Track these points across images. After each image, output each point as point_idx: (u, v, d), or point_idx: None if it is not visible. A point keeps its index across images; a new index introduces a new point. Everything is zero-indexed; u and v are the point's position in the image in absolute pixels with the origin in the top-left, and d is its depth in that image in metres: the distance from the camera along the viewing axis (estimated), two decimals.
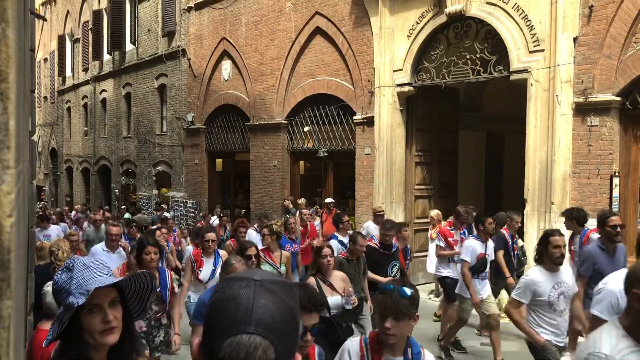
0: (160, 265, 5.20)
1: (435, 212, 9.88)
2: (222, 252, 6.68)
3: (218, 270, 5.94)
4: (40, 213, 13.63)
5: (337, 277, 5.12)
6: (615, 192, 7.95)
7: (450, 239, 7.99)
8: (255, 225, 9.91)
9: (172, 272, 5.43)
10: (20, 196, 1.32)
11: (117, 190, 22.67)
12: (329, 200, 11.96)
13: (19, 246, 1.36)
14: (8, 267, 0.88)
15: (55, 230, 11.03)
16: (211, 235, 6.59)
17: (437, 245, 8.10)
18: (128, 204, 21.06)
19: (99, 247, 6.91)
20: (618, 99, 7.96)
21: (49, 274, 5.33)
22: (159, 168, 19.29)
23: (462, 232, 8.14)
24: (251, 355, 0.97)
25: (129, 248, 6.85)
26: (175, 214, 17.19)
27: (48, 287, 3.64)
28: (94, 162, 24.45)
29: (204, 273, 6.30)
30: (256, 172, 14.83)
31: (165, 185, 19.16)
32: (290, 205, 12.59)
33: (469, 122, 12.27)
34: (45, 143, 30.61)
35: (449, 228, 8.20)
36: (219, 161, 17.54)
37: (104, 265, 1.83)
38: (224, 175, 17.68)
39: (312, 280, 4.90)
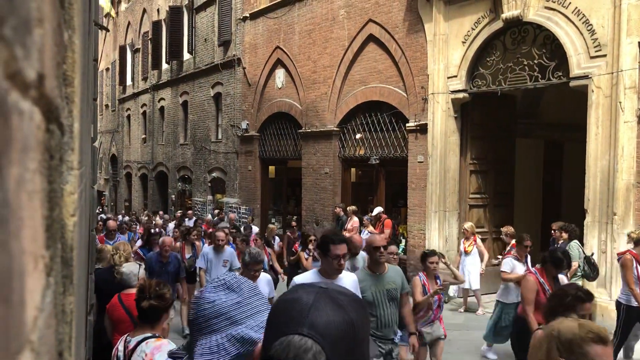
0: None
1: (469, 225, 9.91)
2: None
3: None
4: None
5: None
6: None
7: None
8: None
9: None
10: (82, 198, 1.37)
11: (173, 196, 23.25)
12: (377, 210, 11.88)
13: (81, 247, 1.41)
14: (71, 265, 0.91)
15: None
16: None
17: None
18: (184, 209, 21.56)
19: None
20: None
21: (110, 276, 5.53)
22: (214, 174, 19.69)
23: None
24: (300, 358, 0.93)
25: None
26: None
27: (124, 268, 4.82)
28: (152, 168, 25.18)
29: None
30: (308, 179, 14.91)
31: (220, 191, 19.53)
32: (342, 213, 12.58)
33: (526, 130, 11.94)
34: (106, 149, 31.76)
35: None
36: (271, 168, 17.74)
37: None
38: (276, 182, 17.86)
39: None
